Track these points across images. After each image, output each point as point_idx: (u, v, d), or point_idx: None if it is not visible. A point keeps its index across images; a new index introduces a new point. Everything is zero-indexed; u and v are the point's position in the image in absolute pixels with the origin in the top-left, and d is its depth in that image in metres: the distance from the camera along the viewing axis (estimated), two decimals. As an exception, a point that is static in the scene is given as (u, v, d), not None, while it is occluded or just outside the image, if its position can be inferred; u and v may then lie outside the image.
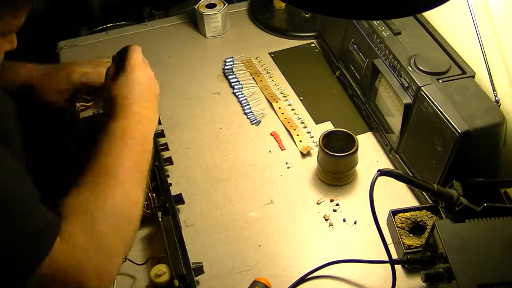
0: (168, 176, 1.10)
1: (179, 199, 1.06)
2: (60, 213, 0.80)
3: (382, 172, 0.88)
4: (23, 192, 0.76)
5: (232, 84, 1.34)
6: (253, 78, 1.35)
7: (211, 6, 1.46)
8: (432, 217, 1.00)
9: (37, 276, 0.74)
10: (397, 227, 1.00)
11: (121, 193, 0.87)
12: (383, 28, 1.16)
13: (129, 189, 0.88)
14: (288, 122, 1.24)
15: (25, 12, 0.77)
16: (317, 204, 1.09)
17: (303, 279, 0.96)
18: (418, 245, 0.96)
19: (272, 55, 1.42)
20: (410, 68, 1.06)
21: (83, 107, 1.26)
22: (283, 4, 1.54)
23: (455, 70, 1.06)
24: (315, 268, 0.97)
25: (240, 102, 1.30)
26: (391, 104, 1.13)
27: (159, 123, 1.10)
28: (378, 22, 1.17)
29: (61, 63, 1.22)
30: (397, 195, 1.09)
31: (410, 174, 1.07)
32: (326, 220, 1.06)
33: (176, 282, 0.93)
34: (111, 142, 0.92)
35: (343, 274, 0.97)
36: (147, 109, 0.97)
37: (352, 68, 1.27)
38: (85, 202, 0.83)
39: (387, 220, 1.04)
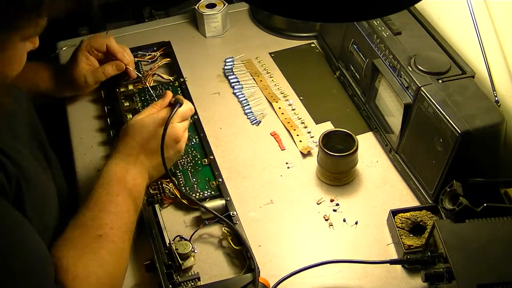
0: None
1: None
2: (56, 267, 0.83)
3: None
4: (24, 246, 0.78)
5: (232, 84, 1.34)
6: (253, 78, 1.35)
7: (211, 6, 1.46)
8: (432, 217, 1.00)
9: None
10: (397, 227, 1.00)
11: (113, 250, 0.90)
12: (383, 28, 1.16)
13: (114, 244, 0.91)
14: (288, 122, 1.24)
15: (48, 15, 0.78)
16: (317, 204, 1.09)
17: (298, 272, 0.95)
18: (418, 245, 0.96)
19: (272, 55, 1.42)
20: (410, 68, 1.06)
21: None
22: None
23: (455, 70, 1.06)
24: (312, 265, 0.96)
25: (240, 102, 1.30)
26: (391, 104, 1.13)
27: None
28: (378, 22, 1.18)
29: (71, 64, 1.23)
30: (397, 195, 1.09)
31: (410, 174, 1.07)
32: (326, 220, 1.06)
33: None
34: (102, 194, 0.95)
35: (343, 274, 0.97)
36: (150, 160, 1.03)
37: (352, 68, 1.27)
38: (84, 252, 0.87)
39: (387, 220, 1.04)
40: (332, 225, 1.05)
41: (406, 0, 0.70)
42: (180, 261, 0.95)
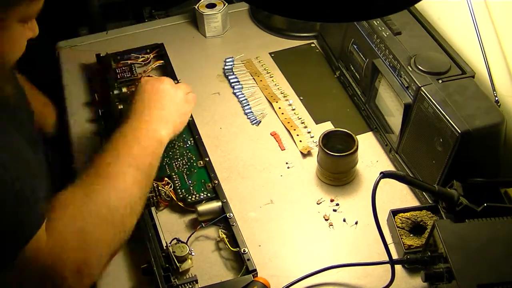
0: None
1: None
2: (51, 205, 0.80)
3: (385, 174, 0.88)
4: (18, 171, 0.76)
5: (232, 84, 1.34)
6: (253, 78, 1.35)
7: (211, 6, 1.46)
8: (432, 217, 1.00)
9: (16, 264, 0.74)
10: (397, 227, 1.00)
11: (114, 194, 0.88)
12: (383, 28, 1.16)
13: (124, 190, 0.89)
14: (288, 122, 1.24)
15: None
16: (317, 204, 1.09)
17: (300, 280, 0.96)
18: (418, 245, 0.96)
19: (272, 55, 1.42)
20: (410, 68, 1.06)
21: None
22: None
23: (455, 70, 1.06)
24: (313, 272, 0.96)
25: (240, 102, 1.30)
26: (391, 104, 1.13)
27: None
28: (378, 22, 1.17)
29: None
30: (397, 195, 1.09)
31: (410, 174, 1.07)
32: (326, 220, 1.06)
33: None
34: (116, 142, 0.95)
35: (343, 274, 0.97)
36: (160, 110, 1.03)
37: (352, 68, 1.27)
38: (75, 199, 0.84)
39: (387, 220, 1.04)
40: (332, 225, 1.05)
41: (406, 0, 0.70)
42: (178, 264, 0.95)
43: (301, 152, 1.18)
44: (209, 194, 1.07)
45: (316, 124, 1.24)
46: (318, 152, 1.11)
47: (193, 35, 1.49)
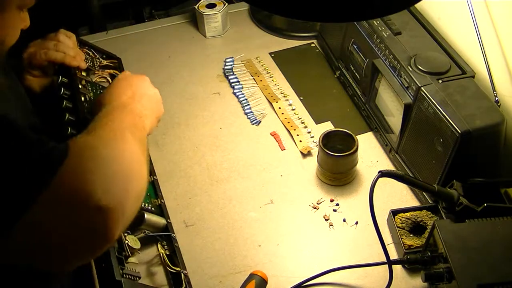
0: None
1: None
2: (67, 144, 0.76)
3: (383, 173, 0.88)
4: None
5: (232, 84, 1.34)
6: (253, 78, 1.35)
7: (211, 6, 1.46)
8: (432, 217, 1.00)
9: (45, 193, 0.70)
10: (397, 227, 1.00)
11: (128, 149, 0.83)
12: (383, 28, 1.16)
13: (129, 143, 0.84)
14: (288, 122, 1.24)
15: None
16: (317, 204, 1.09)
17: (301, 284, 0.96)
18: (418, 245, 0.96)
19: (272, 55, 1.42)
20: (410, 68, 1.06)
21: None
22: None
23: (455, 70, 1.06)
24: (313, 276, 0.96)
25: (240, 102, 1.30)
26: (391, 104, 1.13)
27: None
28: (378, 22, 1.18)
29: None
30: (397, 195, 1.09)
31: (410, 174, 1.07)
32: (326, 220, 1.06)
33: None
34: (103, 118, 0.88)
35: (343, 274, 0.97)
36: (138, 101, 0.96)
37: (352, 68, 1.27)
38: (93, 145, 0.80)
39: (387, 220, 1.04)
40: (332, 225, 1.05)
41: (406, 0, 0.70)
42: (129, 253, 0.94)
43: (301, 152, 1.18)
44: (153, 209, 1.04)
45: (316, 124, 1.24)
46: (318, 152, 1.11)
47: (193, 35, 1.49)
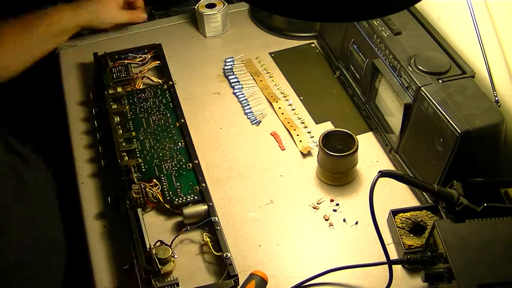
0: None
1: None
2: None
3: (383, 173, 0.88)
4: None
5: (232, 84, 1.34)
6: (253, 78, 1.35)
7: (211, 6, 1.46)
8: (432, 217, 1.00)
9: None
10: (397, 227, 1.00)
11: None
12: (383, 28, 1.16)
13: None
14: (288, 122, 1.24)
15: None
16: (317, 204, 1.09)
17: (301, 284, 0.96)
18: (418, 245, 0.96)
19: (272, 55, 1.42)
20: (410, 68, 1.06)
21: None
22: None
23: (455, 70, 1.06)
24: (313, 276, 0.96)
25: (240, 102, 1.30)
26: (391, 104, 1.13)
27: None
28: (378, 22, 1.17)
29: None
30: (397, 195, 1.09)
31: (410, 174, 1.07)
32: (326, 220, 1.06)
33: None
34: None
35: (343, 274, 0.97)
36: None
37: (352, 68, 1.27)
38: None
39: (387, 220, 1.04)
40: (332, 225, 1.05)
41: (406, 0, 0.70)
42: (159, 266, 0.94)
43: (301, 152, 1.18)
44: (196, 197, 1.06)
45: (316, 124, 1.24)
46: (318, 152, 1.11)
47: (193, 35, 1.49)
